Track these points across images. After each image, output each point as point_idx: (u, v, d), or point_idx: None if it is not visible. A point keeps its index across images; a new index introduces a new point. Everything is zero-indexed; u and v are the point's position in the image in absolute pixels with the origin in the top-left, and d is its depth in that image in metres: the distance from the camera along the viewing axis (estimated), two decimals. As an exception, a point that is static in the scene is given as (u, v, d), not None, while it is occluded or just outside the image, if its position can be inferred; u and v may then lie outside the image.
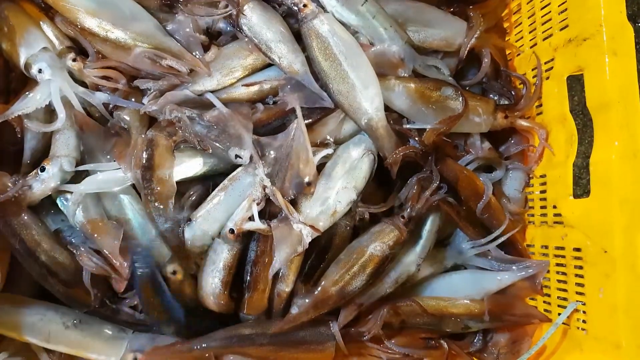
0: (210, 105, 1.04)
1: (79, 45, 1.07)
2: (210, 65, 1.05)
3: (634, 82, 0.88)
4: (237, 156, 1.01)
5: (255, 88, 1.07)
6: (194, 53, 1.04)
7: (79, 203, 1.02)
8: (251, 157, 1.01)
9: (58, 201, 1.05)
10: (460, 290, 1.09)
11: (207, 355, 1.01)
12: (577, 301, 0.97)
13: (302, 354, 1.03)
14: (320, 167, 1.04)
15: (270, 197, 0.99)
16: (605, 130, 0.90)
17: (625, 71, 0.88)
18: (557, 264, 1.03)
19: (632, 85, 0.87)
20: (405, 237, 1.04)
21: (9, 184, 1.00)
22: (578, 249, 0.97)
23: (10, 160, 1.07)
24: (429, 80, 1.08)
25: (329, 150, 1.05)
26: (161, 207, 1.02)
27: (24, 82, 1.08)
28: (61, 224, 1.07)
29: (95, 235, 1.01)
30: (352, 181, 1.04)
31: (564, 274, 1.01)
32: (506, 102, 1.14)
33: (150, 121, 1.08)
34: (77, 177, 1.05)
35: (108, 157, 1.04)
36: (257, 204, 0.99)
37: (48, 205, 1.07)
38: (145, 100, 1.05)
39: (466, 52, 1.11)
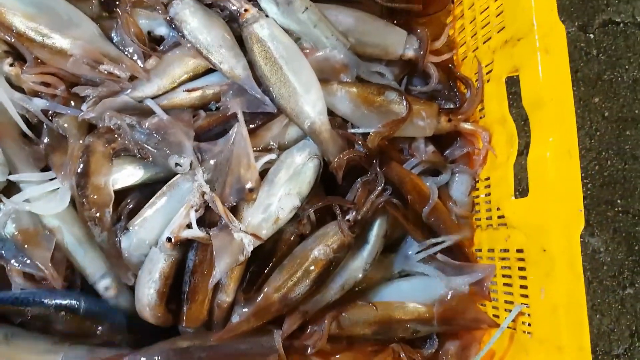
0: (150, 112, 1.02)
1: (16, 50, 1.05)
2: (151, 71, 1.03)
3: (566, 79, 0.88)
4: (177, 164, 0.99)
5: (197, 94, 1.05)
6: (133, 58, 1.03)
7: (10, 214, 0.99)
8: (191, 164, 0.99)
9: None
10: (409, 297, 1.06)
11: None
12: (521, 304, 0.95)
13: (244, 368, 0.99)
14: (264, 173, 1.03)
15: (210, 204, 0.97)
16: (540, 129, 0.89)
17: (557, 69, 0.88)
18: (503, 267, 1.02)
19: (564, 83, 0.87)
20: (350, 241, 1.01)
21: None
22: (520, 250, 0.95)
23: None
24: (372, 84, 1.08)
25: (272, 156, 1.03)
26: (97, 215, 0.99)
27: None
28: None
29: (26, 246, 0.98)
30: (295, 187, 1.02)
31: (509, 276, 1.00)
32: (451, 106, 1.13)
33: (90, 129, 1.06)
34: (12, 187, 1.02)
35: (35, 168, 1.02)
36: (196, 211, 0.96)
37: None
38: (84, 107, 1.03)
39: (422, 67, 1.11)
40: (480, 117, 1.11)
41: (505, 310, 1.00)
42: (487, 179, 1.08)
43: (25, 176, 1.00)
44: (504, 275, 1.02)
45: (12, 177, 1.00)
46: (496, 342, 0.98)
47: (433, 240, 1.05)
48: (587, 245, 1.52)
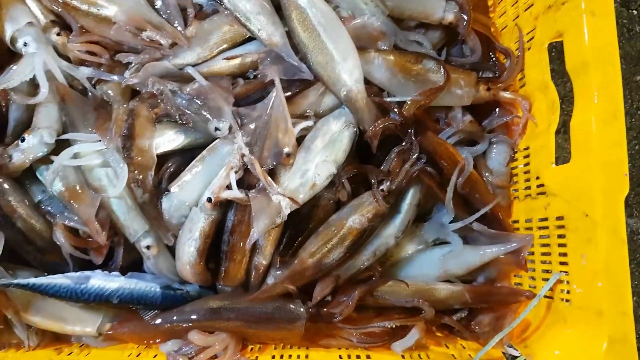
0: (190, 80, 1.04)
1: (63, 20, 1.08)
2: (191, 39, 1.05)
3: (613, 42, 0.86)
4: (216, 129, 1.00)
5: (236, 61, 1.07)
6: (174, 26, 1.05)
7: (58, 172, 1.03)
8: (230, 128, 1.00)
9: (37, 172, 1.06)
10: (442, 266, 1.06)
11: (175, 329, 0.99)
12: (560, 272, 0.94)
13: (270, 332, 1.01)
14: (300, 140, 1.03)
15: (249, 167, 0.99)
16: (584, 93, 0.88)
17: (604, 31, 0.86)
18: (541, 236, 1.00)
19: (611, 45, 0.86)
20: (385, 211, 1.02)
21: (-11, 152, 1.01)
22: (560, 217, 0.94)
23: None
24: (410, 53, 1.07)
25: (309, 123, 1.04)
26: (140, 177, 1.01)
27: (11, 56, 1.09)
28: (42, 194, 1.08)
29: (72, 202, 1.01)
30: (332, 154, 1.03)
31: (547, 245, 0.98)
32: (489, 75, 1.12)
33: (133, 95, 1.09)
34: (58, 148, 1.05)
35: (89, 128, 1.04)
36: (235, 172, 0.98)
37: (30, 177, 1.08)
38: (127, 73, 1.05)
39: (463, 30, 1.09)
40: (520, 86, 1.09)
41: (543, 279, 0.99)
42: (526, 148, 1.07)
43: (75, 135, 1.03)
44: (541, 245, 1.00)
45: (64, 136, 1.04)
46: (532, 311, 0.97)
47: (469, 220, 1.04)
48: (626, 226, 1.48)
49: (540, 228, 1.01)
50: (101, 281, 1.04)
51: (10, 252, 1.03)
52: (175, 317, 1.02)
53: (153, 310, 1.05)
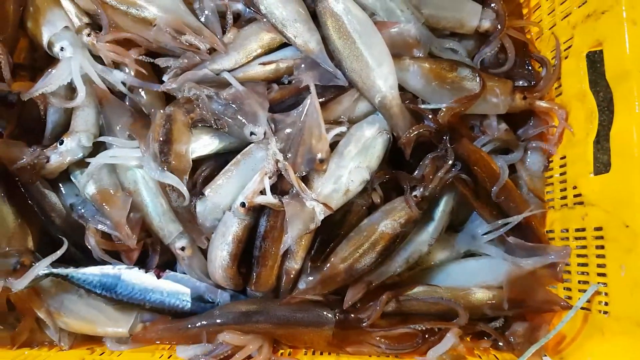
0: (226, 85, 1.05)
1: (97, 22, 1.09)
2: (228, 45, 1.06)
3: (655, 51, 0.85)
4: (252, 133, 1.01)
5: (271, 67, 1.08)
6: (213, 31, 1.06)
7: (92, 174, 1.04)
8: (265, 133, 1.01)
9: (72, 175, 1.08)
10: (476, 276, 1.05)
11: (205, 332, 1.00)
12: (598, 283, 0.92)
13: (298, 335, 1.01)
14: (333, 145, 1.04)
15: (282, 172, 0.99)
16: (625, 101, 0.87)
17: (645, 40, 0.85)
18: (578, 247, 0.99)
19: (653, 54, 0.85)
20: (418, 216, 1.02)
21: (27, 153, 1.03)
22: (599, 228, 0.93)
23: (34, 133, 1.10)
24: (445, 60, 1.07)
25: (343, 128, 1.05)
26: (176, 181, 1.02)
27: (48, 60, 1.11)
28: (75, 198, 1.10)
29: (104, 205, 1.03)
30: (365, 160, 1.03)
31: (584, 256, 0.97)
32: (525, 84, 1.11)
33: (168, 100, 1.10)
34: (94, 152, 1.07)
35: (126, 132, 1.06)
36: (269, 178, 0.99)
37: (64, 179, 1.10)
38: (165, 77, 1.07)
39: (497, 38, 1.09)
40: (556, 95, 1.08)
41: (580, 290, 0.98)
42: (563, 157, 1.06)
43: (113, 140, 1.05)
44: (578, 255, 0.99)
45: (101, 138, 1.05)
46: (568, 322, 0.95)
47: (501, 222, 1.03)
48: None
49: (577, 238, 0.99)
50: (135, 281, 1.05)
51: (51, 248, 1.04)
52: (205, 321, 1.02)
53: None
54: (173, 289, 1.07)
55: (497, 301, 1.03)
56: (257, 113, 1.01)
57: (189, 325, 1.02)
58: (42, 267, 0.99)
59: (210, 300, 1.07)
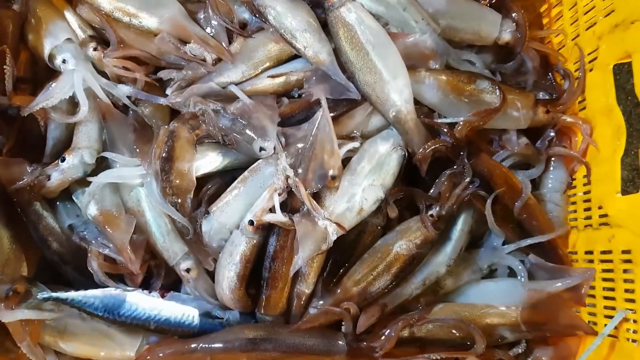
0: (233, 99, 1.00)
1: (101, 34, 1.06)
2: (235, 55, 1.02)
3: (689, 64, 0.80)
4: (261, 149, 0.96)
5: (280, 80, 1.03)
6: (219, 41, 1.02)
7: (95, 194, 1.00)
8: (275, 148, 0.97)
9: (73, 195, 1.04)
10: (495, 298, 1.00)
11: (208, 357, 0.95)
12: (626, 309, 0.87)
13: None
14: (345, 161, 0.99)
15: (293, 189, 0.95)
16: (657, 118, 0.82)
17: (678, 53, 0.80)
18: (604, 270, 0.94)
19: (687, 68, 0.80)
20: (434, 237, 0.98)
21: (27, 172, 0.99)
22: (627, 251, 0.88)
23: (34, 151, 1.06)
24: (462, 72, 1.03)
25: (356, 144, 1.00)
26: (178, 201, 0.98)
27: (50, 73, 1.07)
28: (76, 219, 1.05)
29: (107, 227, 0.98)
30: (379, 178, 0.99)
31: (611, 280, 0.92)
32: (546, 97, 1.07)
33: (172, 114, 1.06)
34: (97, 169, 1.03)
35: (130, 149, 1.02)
36: (279, 194, 0.94)
37: (65, 198, 1.06)
38: (168, 90, 1.02)
39: (522, 50, 1.04)
40: (580, 110, 1.03)
41: (605, 316, 0.93)
42: (586, 175, 1.00)
43: (115, 156, 1.01)
44: (604, 279, 0.94)
45: (104, 154, 1.02)
46: (594, 351, 0.90)
47: (524, 243, 0.99)
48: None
49: (602, 261, 0.95)
50: (139, 302, 1.01)
51: (49, 272, 1.01)
52: (210, 345, 0.97)
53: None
54: (179, 306, 1.02)
55: (516, 323, 0.97)
56: (267, 127, 0.97)
57: (193, 349, 0.97)
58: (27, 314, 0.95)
59: (219, 316, 1.03)
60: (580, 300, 0.97)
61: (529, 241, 0.98)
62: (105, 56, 1.02)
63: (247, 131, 0.97)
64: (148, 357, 0.99)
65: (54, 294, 0.99)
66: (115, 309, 1.00)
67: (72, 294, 1.00)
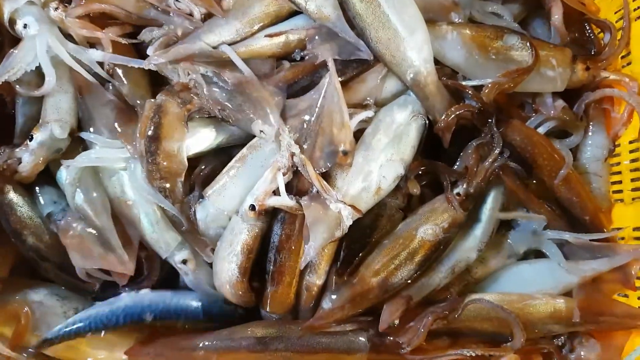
0: (227, 64, 0.87)
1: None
2: (228, 10, 0.89)
3: None
4: (261, 132, 0.85)
5: (279, 40, 0.91)
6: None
7: (77, 181, 0.90)
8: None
9: (58, 175, 0.93)
10: (532, 284, 0.92)
11: (214, 357, 0.86)
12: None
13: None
14: (358, 134, 0.89)
15: (299, 169, 0.83)
16: None
17: None
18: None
19: None
20: (462, 218, 0.88)
21: (-7, 157, 0.88)
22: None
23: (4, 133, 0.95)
24: (488, 26, 0.94)
25: (369, 113, 0.90)
26: (167, 186, 0.87)
27: (13, 42, 0.94)
28: (53, 206, 0.94)
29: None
30: (398, 152, 0.89)
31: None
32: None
33: (152, 84, 0.93)
34: (74, 151, 0.92)
35: (112, 127, 0.90)
36: (283, 174, 0.83)
37: (45, 182, 0.95)
38: (149, 50, 0.88)
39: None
40: (623, 65, 0.94)
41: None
42: (633, 141, 0.91)
43: (94, 138, 0.90)
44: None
45: (82, 134, 0.91)
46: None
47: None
48: None
49: (654, 238, 0.85)
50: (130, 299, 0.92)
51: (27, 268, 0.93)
52: (213, 343, 0.87)
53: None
54: (178, 293, 0.94)
55: (564, 314, 0.88)
56: (269, 107, 0.84)
57: (198, 346, 0.87)
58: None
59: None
60: (628, 282, 0.88)
61: (579, 237, 0.89)
62: (67, 15, 0.89)
63: (246, 109, 0.85)
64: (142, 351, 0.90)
65: (63, 331, 0.90)
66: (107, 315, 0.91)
67: (77, 327, 0.91)
